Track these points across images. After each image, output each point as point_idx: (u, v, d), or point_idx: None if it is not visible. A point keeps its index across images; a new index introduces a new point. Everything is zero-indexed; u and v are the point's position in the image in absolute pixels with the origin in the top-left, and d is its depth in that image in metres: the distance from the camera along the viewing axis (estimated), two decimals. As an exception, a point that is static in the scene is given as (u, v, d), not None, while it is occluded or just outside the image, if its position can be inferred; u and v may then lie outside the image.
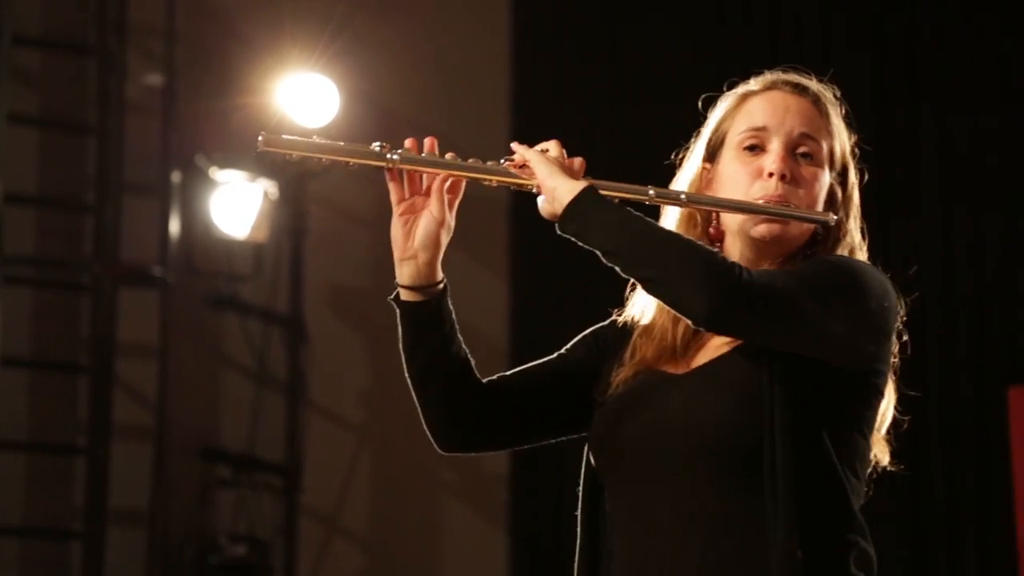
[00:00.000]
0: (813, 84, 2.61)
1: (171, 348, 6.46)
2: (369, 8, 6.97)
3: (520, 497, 6.87)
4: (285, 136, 2.52)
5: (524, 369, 2.62)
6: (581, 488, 2.55)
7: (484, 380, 2.58)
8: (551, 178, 2.44)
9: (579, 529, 2.54)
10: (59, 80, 6.74)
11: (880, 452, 2.55)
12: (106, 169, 6.47)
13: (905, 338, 2.56)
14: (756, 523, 2.33)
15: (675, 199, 2.51)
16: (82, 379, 6.47)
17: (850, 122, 2.64)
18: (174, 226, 6.52)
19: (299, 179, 6.93)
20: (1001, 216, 6.62)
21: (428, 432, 2.60)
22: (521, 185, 2.49)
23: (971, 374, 6.50)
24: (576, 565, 2.52)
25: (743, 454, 2.35)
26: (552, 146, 2.51)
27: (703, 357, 2.47)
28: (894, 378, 2.55)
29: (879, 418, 2.51)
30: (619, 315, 2.63)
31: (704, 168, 2.59)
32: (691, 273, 2.32)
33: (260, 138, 2.51)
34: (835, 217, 2.51)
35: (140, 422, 6.49)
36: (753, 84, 2.61)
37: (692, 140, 2.66)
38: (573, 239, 2.41)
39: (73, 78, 6.69)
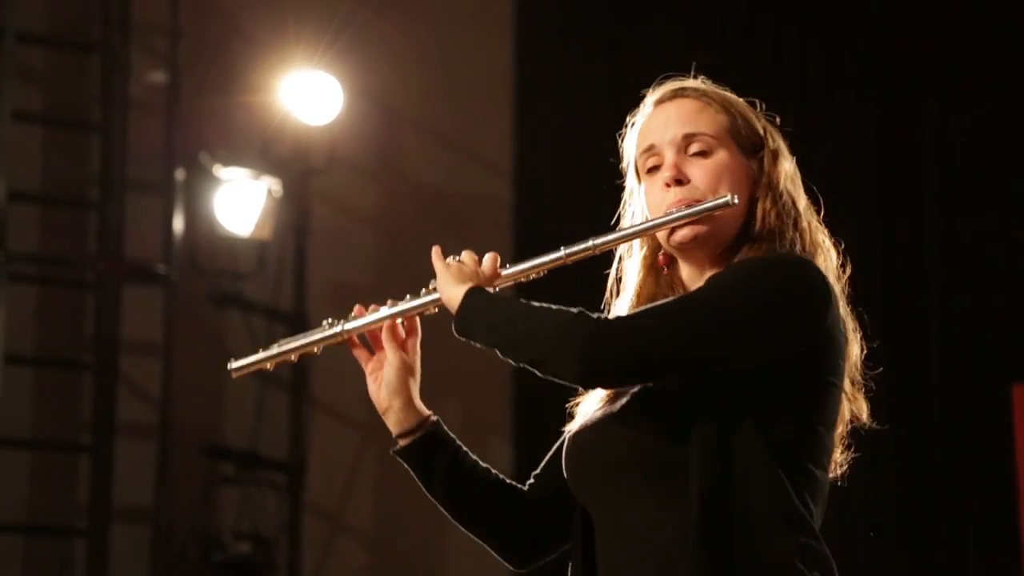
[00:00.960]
0: (690, 82, 2.62)
1: (175, 346, 6.46)
2: (372, 6, 6.97)
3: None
4: (251, 359, 2.69)
5: (548, 462, 2.68)
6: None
7: (521, 486, 2.67)
8: (444, 289, 2.52)
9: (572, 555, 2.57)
10: (63, 78, 6.75)
11: (858, 409, 2.55)
12: (110, 167, 6.47)
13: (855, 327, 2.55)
14: (674, 530, 2.35)
15: (587, 248, 2.52)
16: (86, 377, 6.48)
17: (751, 101, 2.63)
18: (178, 224, 6.52)
19: (303, 176, 6.93)
20: (1005, 213, 6.62)
21: (503, 559, 2.69)
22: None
23: (975, 372, 6.50)
24: None
25: (666, 464, 2.37)
26: (465, 255, 2.56)
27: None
28: (859, 335, 2.54)
29: (842, 400, 2.48)
30: None
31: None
32: (553, 347, 2.37)
33: (231, 367, 2.69)
34: (734, 196, 2.48)
35: (144, 420, 6.50)
36: (643, 109, 2.65)
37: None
38: (470, 343, 2.49)
39: (77, 76, 6.70)
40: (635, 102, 2.74)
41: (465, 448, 2.68)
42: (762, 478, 2.35)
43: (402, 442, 2.69)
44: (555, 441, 2.67)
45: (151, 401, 6.51)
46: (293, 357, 2.71)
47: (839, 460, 2.57)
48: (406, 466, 2.68)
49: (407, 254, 7.04)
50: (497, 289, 2.54)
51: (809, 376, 2.41)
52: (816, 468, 2.41)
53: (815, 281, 2.41)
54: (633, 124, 2.63)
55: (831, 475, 2.49)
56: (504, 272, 2.54)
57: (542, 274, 2.54)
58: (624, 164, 2.65)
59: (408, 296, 2.64)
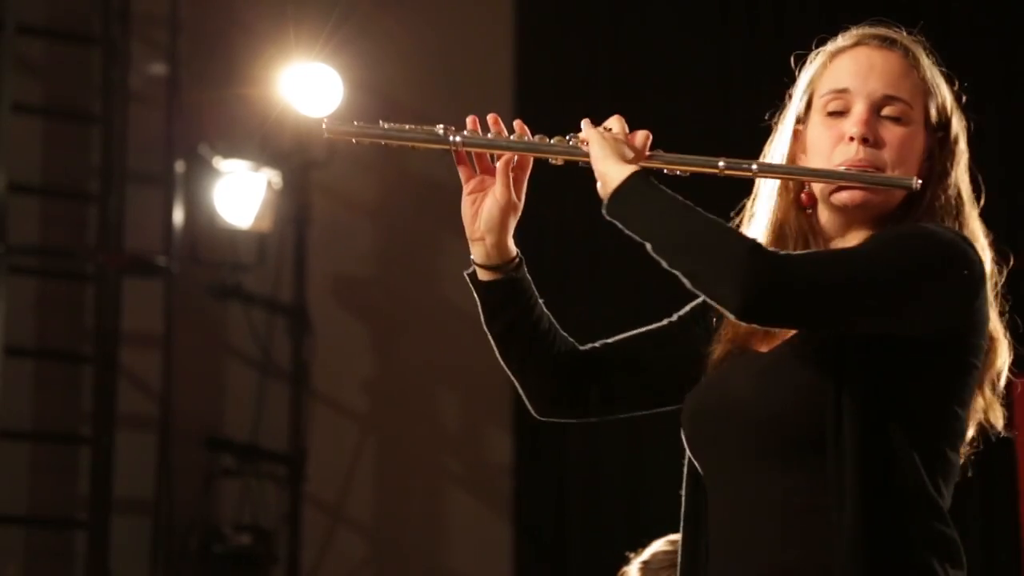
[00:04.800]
0: (903, 37, 2.51)
1: (175, 338, 6.46)
2: (373, -3, 6.98)
3: (524, 487, 6.87)
4: (354, 124, 2.48)
5: (628, 336, 2.57)
6: (685, 471, 2.51)
7: (583, 347, 2.55)
8: (603, 161, 2.40)
9: (682, 508, 2.50)
10: (63, 69, 6.74)
11: (992, 416, 2.49)
12: (110, 158, 6.47)
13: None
14: (821, 505, 2.29)
15: (746, 170, 2.43)
16: (86, 369, 6.48)
17: (949, 75, 2.54)
18: (178, 215, 6.52)
19: (302, 168, 6.93)
20: (1007, 204, 6.61)
21: (524, 398, 2.56)
22: (587, 161, 2.44)
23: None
24: (680, 544, 2.49)
25: (808, 434, 2.30)
26: (614, 123, 2.46)
27: (788, 333, 2.41)
28: (1008, 339, 2.48)
29: (983, 387, 2.43)
30: None
31: (796, 130, 2.51)
32: (721, 268, 2.26)
33: (324, 124, 2.49)
34: (918, 181, 2.40)
35: (144, 412, 6.50)
36: (842, 40, 2.53)
37: (787, 100, 2.57)
38: (618, 224, 2.38)
39: (77, 67, 6.70)
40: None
41: (536, 299, 2.54)
42: (906, 457, 2.30)
43: (480, 273, 2.51)
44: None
45: (151, 393, 6.52)
46: (385, 143, 2.51)
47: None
48: (472, 290, 2.54)
49: (407, 246, 7.04)
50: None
51: (950, 355, 2.35)
52: (950, 450, 2.36)
53: (974, 261, 2.36)
54: (825, 52, 2.51)
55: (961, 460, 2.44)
56: (652, 156, 2.42)
57: (687, 174, 2.42)
58: (798, 86, 2.52)
59: (536, 136, 2.49)
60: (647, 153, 2.43)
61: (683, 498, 2.50)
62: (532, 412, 2.58)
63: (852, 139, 2.42)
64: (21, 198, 6.33)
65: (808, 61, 2.54)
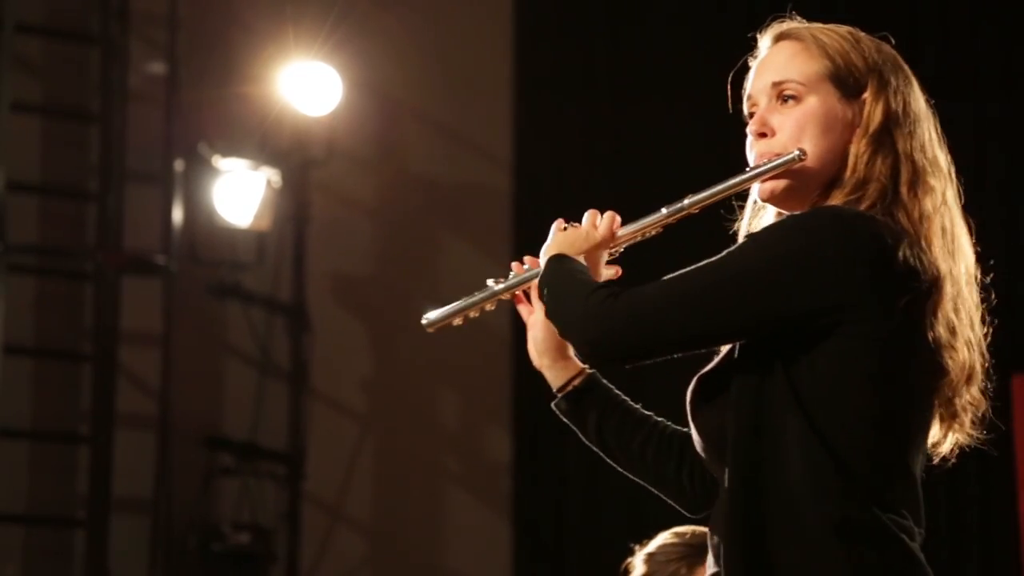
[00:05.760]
0: (791, 25, 2.55)
1: (174, 336, 6.46)
2: (371, -4, 6.98)
3: (523, 486, 6.87)
4: (442, 313, 2.65)
5: None
6: None
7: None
8: (543, 254, 2.52)
9: None
10: (62, 68, 6.74)
11: (955, 367, 2.54)
12: (109, 157, 6.47)
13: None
14: (725, 509, 2.32)
15: (683, 207, 2.47)
16: (85, 367, 6.48)
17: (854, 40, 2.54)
18: (177, 214, 6.52)
19: (302, 167, 6.93)
20: (1005, 204, 6.61)
21: (675, 505, 2.64)
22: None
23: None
24: None
25: (720, 438, 2.33)
26: (585, 218, 2.54)
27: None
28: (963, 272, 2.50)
29: (935, 330, 2.43)
30: None
31: None
32: (568, 321, 2.39)
33: (425, 322, 2.66)
34: (797, 152, 2.39)
35: (143, 410, 6.50)
36: (760, 50, 2.58)
37: None
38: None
39: (76, 66, 6.69)
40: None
41: (620, 401, 2.62)
42: (795, 444, 2.26)
43: (559, 395, 2.64)
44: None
45: (150, 392, 6.52)
46: (474, 314, 2.67)
47: (967, 423, 2.63)
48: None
49: (406, 244, 7.04)
50: (619, 251, 2.53)
51: (837, 334, 2.29)
52: (871, 429, 2.31)
53: (840, 237, 2.30)
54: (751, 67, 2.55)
55: (929, 437, 2.49)
56: (619, 232, 2.51)
57: (655, 232, 2.50)
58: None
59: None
60: (616, 232, 2.51)
61: None
62: (687, 515, 2.64)
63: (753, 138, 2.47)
64: (20, 197, 6.33)
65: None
